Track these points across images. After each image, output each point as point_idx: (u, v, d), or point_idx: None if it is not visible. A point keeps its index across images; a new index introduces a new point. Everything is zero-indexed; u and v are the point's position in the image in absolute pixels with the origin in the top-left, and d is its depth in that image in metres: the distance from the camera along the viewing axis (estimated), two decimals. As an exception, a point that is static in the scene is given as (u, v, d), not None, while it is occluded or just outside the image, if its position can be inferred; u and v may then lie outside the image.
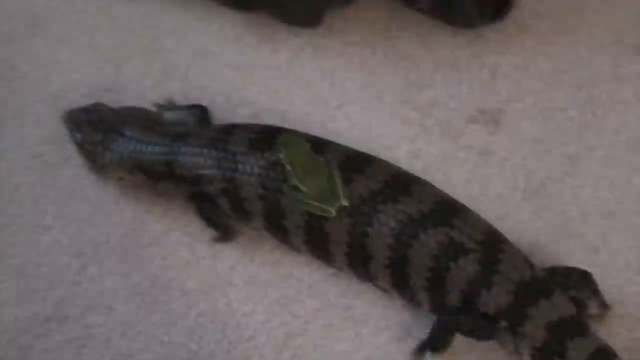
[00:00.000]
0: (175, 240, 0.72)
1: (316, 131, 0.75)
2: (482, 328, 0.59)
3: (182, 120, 0.73)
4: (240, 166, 0.64)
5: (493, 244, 0.60)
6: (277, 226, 0.65)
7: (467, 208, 0.63)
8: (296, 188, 0.62)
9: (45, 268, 0.71)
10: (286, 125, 0.73)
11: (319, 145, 0.66)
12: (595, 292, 0.63)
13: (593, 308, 0.62)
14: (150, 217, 0.74)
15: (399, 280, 0.62)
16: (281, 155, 0.63)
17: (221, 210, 0.68)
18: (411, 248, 0.60)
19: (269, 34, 0.83)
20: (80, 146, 0.70)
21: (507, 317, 0.58)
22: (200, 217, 0.70)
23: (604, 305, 0.63)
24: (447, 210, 0.61)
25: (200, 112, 0.74)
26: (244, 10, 0.83)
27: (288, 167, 0.63)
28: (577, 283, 0.62)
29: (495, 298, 0.58)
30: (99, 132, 0.69)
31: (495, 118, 0.76)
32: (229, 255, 0.71)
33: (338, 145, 0.67)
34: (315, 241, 0.64)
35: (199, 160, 0.66)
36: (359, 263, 0.63)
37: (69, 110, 0.72)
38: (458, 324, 0.60)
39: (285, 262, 0.70)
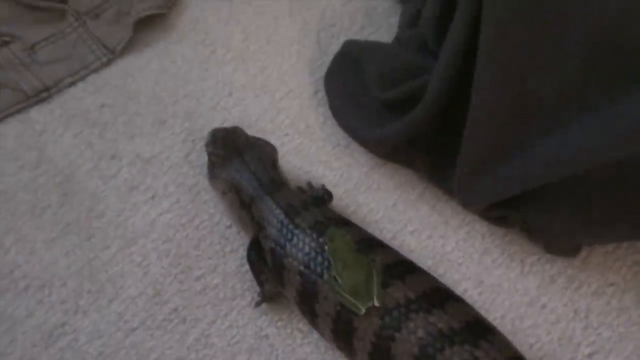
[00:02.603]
0: None
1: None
2: None
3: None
4: (294, 239, 0.67)
5: None
6: (308, 307, 0.67)
7: (498, 331, 0.64)
8: (335, 279, 0.64)
9: None
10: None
11: (370, 246, 0.68)
12: None
13: None
14: None
15: None
16: (325, 247, 0.65)
17: (269, 271, 0.71)
18: None
19: (518, 254, 0.78)
20: (208, 156, 0.77)
21: None
22: (250, 269, 0.74)
23: None
24: (477, 331, 0.61)
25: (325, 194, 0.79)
26: (498, 225, 0.79)
27: (330, 258, 0.64)
28: None
29: None
30: (225, 148, 0.75)
31: None
32: None
33: (390, 249, 0.70)
34: (341, 333, 0.65)
35: (266, 214, 0.70)
36: None
37: (215, 128, 0.80)
38: None
39: None
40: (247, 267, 0.78)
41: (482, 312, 0.75)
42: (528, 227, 0.76)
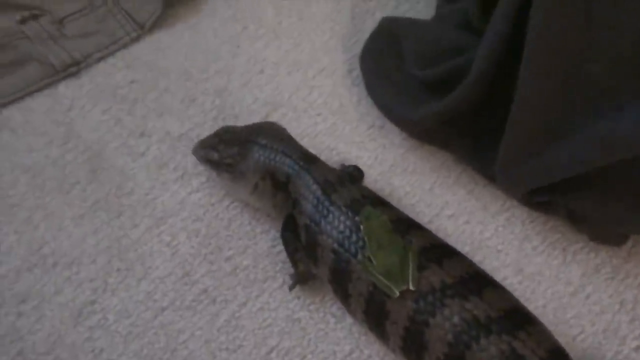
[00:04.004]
0: None
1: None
2: None
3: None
4: (330, 216, 0.66)
5: None
6: (340, 286, 0.66)
7: (538, 321, 0.61)
8: (369, 259, 0.62)
9: None
10: (573, 353, 0.63)
11: (407, 228, 0.66)
12: None
13: None
14: None
15: None
16: (361, 226, 0.63)
17: (303, 250, 0.69)
18: (470, 350, 0.57)
19: (561, 242, 0.75)
20: (218, 163, 0.73)
21: None
22: (285, 249, 0.71)
23: None
24: (516, 320, 0.59)
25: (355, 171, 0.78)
26: (540, 211, 0.76)
27: (365, 238, 0.63)
28: None
29: None
30: (234, 145, 0.73)
31: None
32: None
33: (427, 232, 0.68)
34: (373, 315, 0.64)
35: (303, 189, 0.68)
36: (413, 350, 0.61)
37: (199, 141, 0.76)
38: None
39: None
40: (279, 248, 0.76)
41: (523, 301, 0.72)
42: (572, 214, 0.73)
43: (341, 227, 0.66)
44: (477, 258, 0.75)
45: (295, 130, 0.86)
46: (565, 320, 0.70)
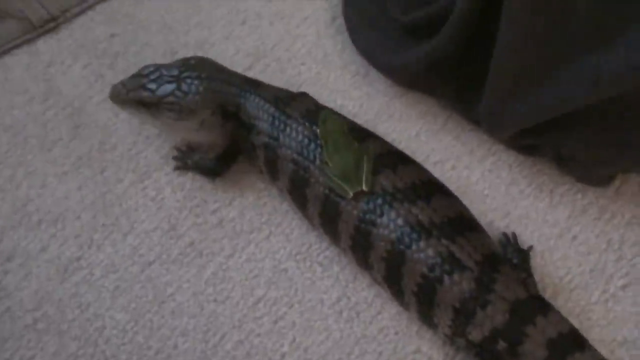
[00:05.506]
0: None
1: (597, 309, 0.65)
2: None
3: None
4: (287, 129, 0.68)
5: (491, 265, 0.61)
6: (298, 192, 0.68)
7: (482, 229, 0.65)
8: (326, 163, 0.65)
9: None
10: (560, 294, 0.63)
11: (366, 136, 0.69)
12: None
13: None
14: None
15: (391, 277, 0.64)
16: (318, 129, 0.66)
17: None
18: (410, 249, 0.61)
19: (548, 184, 0.75)
20: (157, 103, 0.70)
21: (504, 337, 0.59)
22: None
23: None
24: (458, 227, 0.62)
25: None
26: (527, 154, 0.75)
27: (322, 141, 0.66)
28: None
29: (490, 317, 0.59)
30: (170, 82, 0.70)
31: None
32: None
33: (385, 141, 0.70)
34: (328, 216, 0.66)
35: (256, 111, 0.70)
36: (360, 249, 0.65)
37: (117, 85, 0.71)
38: None
39: None
40: (264, 200, 0.77)
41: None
42: (559, 155, 0.73)
43: (299, 137, 0.68)
44: (464, 203, 0.74)
45: (280, 80, 0.84)
46: (553, 262, 0.70)
